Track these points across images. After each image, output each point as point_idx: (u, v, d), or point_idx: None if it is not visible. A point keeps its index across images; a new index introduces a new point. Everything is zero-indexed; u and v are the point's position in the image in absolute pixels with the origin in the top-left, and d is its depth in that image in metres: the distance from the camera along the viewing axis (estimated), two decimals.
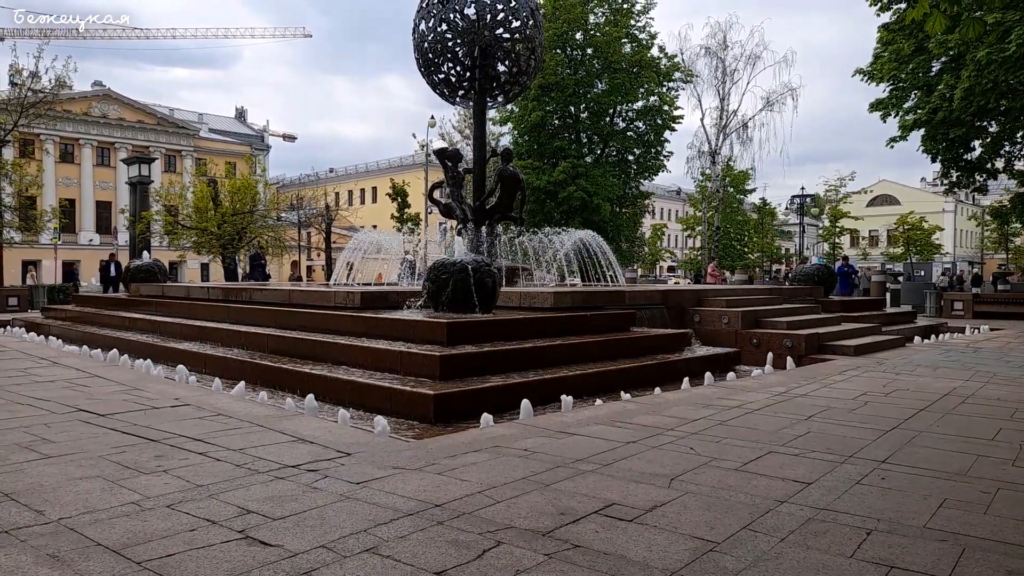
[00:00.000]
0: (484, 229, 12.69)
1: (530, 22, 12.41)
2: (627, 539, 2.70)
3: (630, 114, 33.99)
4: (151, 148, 51.41)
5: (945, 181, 24.26)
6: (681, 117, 34.28)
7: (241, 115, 69.51)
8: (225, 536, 2.67)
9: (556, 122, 32.71)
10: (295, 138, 78.41)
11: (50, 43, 27.71)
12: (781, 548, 2.63)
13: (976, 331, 13.88)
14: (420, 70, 12.89)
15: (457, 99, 13.53)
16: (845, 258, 25.37)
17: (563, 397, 5.72)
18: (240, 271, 25.72)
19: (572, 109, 32.90)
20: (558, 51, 31.34)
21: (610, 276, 14.11)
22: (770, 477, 3.57)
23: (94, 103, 50.66)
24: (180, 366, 7.40)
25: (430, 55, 12.44)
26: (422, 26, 12.42)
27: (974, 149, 21.96)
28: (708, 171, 38.63)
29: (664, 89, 33.73)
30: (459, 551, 2.56)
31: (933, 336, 12.31)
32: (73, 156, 50.39)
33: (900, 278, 29.85)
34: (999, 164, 22.61)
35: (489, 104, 13.57)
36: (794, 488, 3.38)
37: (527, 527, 2.81)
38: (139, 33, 69.62)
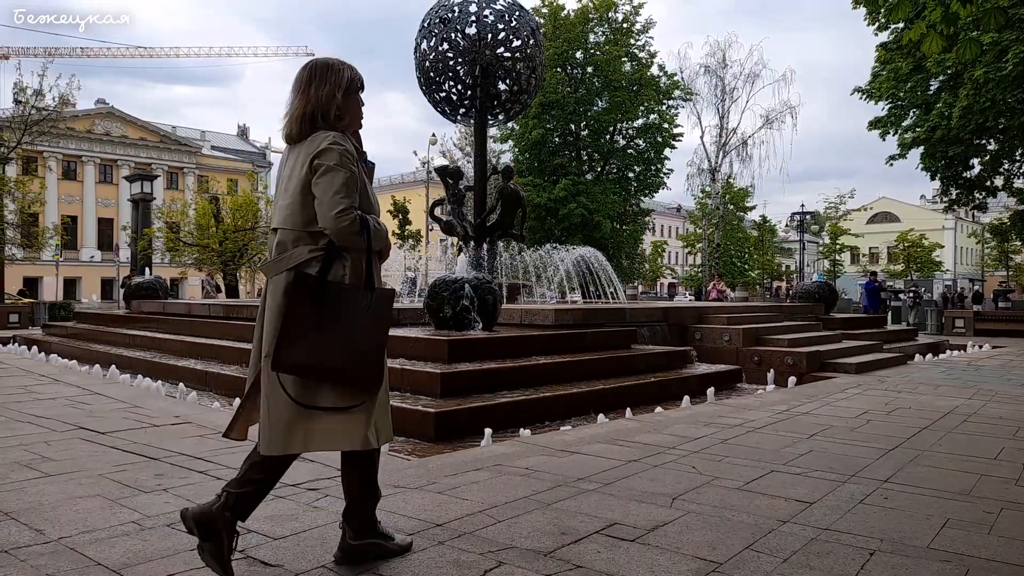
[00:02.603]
0: (485, 246, 12.74)
1: (531, 41, 12.53)
2: (629, 559, 2.69)
3: (630, 132, 34.23)
4: (153, 165, 51.66)
5: (945, 199, 24.35)
6: (681, 135, 34.56)
7: (243, 132, 69.90)
8: None
9: (557, 140, 32.93)
10: None
11: (54, 61, 27.99)
12: (784, 569, 2.62)
13: (978, 348, 13.86)
14: (421, 88, 13.01)
15: (458, 117, 13.64)
16: (873, 274, 25.04)
17: (564, 415, 5.71)
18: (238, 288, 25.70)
19: (572, 127, 33.13)
20: (558, 69, 31.62)
21: (611, 293, 14.13)
22: (772, 496, 3.56)
23: (97, 121, 51.01)
24: (181, 383, 7.40)
25: (431, 74, 12.55)
26: (423, 45, 12.55)
27: (973, 167, 22.06)
28: (708, 188, 38.83)
29: (664, 107, 33.99)
30: (460, 571, 2.55)
31: (934, 354, 12.29)
32: (76, 173, 50.62)
33: (902, 295, 29.74)
34: (998, 182, 22.71)
35: (490, 122, 13.68)
36: (796, 508, 3.37)
37: (529, 547, 2.80)
38: (142, 51, 70.33)
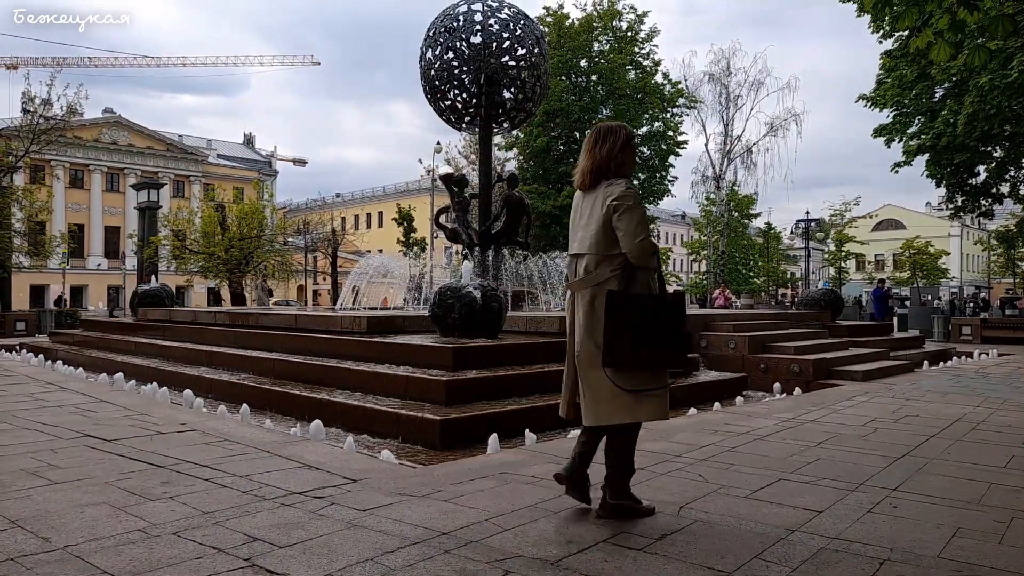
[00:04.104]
0: (490, 253, 12.74)
1: (535, 50, 12.56)
2: (636, 568, 2.67)
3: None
4: (160, 174, 51.90)
5: (950, 206, 24.24)
6: (685, 143, 34.52)
7: (249, 141, 70.25)
8: (231, 564, 2.66)
9: (561, 147, 32.93)
10: (305, 162, 79.20)
11: (62, 71, 28.28)
12: None
13: (985, 356, 13.78)
14: (426, 97, 13.04)
15: (463, 125, 13.67)
16: (882, 281, 24.91)
17: (570, 423, 5.68)
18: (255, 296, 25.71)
19: (577, 135, 33.11)
20: (563, 78, 31.67)
21: None
22: (780, 505, 3.54)
23: (104, 129, 51.32)
24: (187, 391, 7.40)
25: (436, 82, 12.59)
26: (429, 54, 12.59)
27: (979, 174, 21.96)
28: (713, 196, 38.77)
29: (668, 115, 33.98)
30: None
31: (942, 361, 12.22)
32: (83, 182, 50.91)
33: (908, 303, 29.62)
34: (1004, 189, 22.61)
35: (495, 130, 13.69)
36: (805, 516, 3.35)
37: (535, 556, 2.79)
38: (149, 60, 70.92)
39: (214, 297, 26.03)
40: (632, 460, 3.35)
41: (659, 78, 33.71)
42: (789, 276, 58.55)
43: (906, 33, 18.63)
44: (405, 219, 39.13)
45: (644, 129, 33.87)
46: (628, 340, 3.08)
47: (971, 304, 27.29)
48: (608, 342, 3.10)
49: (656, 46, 34.06)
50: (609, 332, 3.10)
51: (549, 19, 32.54)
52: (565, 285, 3.50)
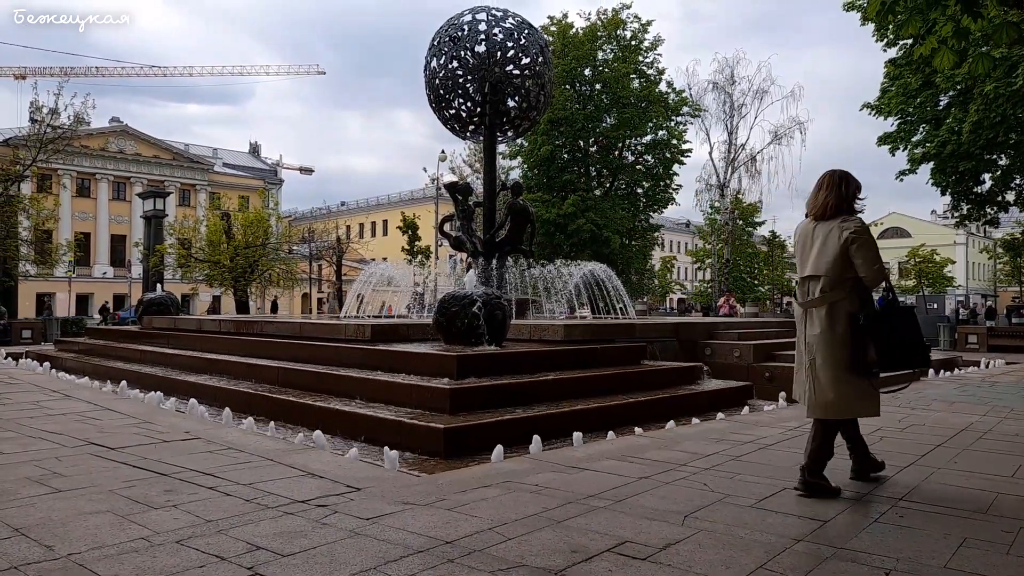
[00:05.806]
0: (494, 262, 12.75)
1: (539, 58, 12.62)
2: None
3: (639, 148, 34.29)
4: (166, 182, 52.15)
5: (955, 214, 24.18)
6: (689, 151, 34.59)
7: (255, 150, 70.54)
8: (234, 573, 2.65)
9: (565, 156, 33.01)
10: (312, 171, 79.53)
11: (69, 80, 28.50)
12: None
13: (991, 365, 13.71)
14: (431, 106, 13.09)
15: (468, 134, 13.73)
16: (888, 289, 24.85)
17: (574, 431, 5.67)
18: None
19: (581, 143, 33.24)
20: (567, 86, 31.78)
21: (620, 308, 14.09)
22: (786, 514, 3.51)
23: (111, 139, 51.64)
24: (191, 399, 7.40)
25: (441, 91, 12.65)
26: (433, 63, 12.65)
27: (984, 182, 21.90)
28: (717, 204, 38.79)
29: (672, 123, 34.05)
30: None
31: (948, 370, 12.16)
32: (89, 190, 51.19)
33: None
34: (1010, 197, 22.54)
35: (499, 139, 13.74)
36: (811, 526, 3.33)
37: (539, 565, 2.77)
38: (155, 70, 71.31)
39: (272, 307, 25.75)
40: (832, 446, 3.97)
41: (663, 87, 33.81)
42: (794, 284, 58.38)
43: (910, 41, 18.64)
44: (409, 227, 39.23)
45: (648, 137, 33.94)
46: (871, 349, 3.71)
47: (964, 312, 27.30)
48: (851, 351, 3.73)
49: (660, 55, 34.22)
50: (853, 343, 3.74)
51: (553, 28, 32.70)
52: (798, 303, 4.01)
